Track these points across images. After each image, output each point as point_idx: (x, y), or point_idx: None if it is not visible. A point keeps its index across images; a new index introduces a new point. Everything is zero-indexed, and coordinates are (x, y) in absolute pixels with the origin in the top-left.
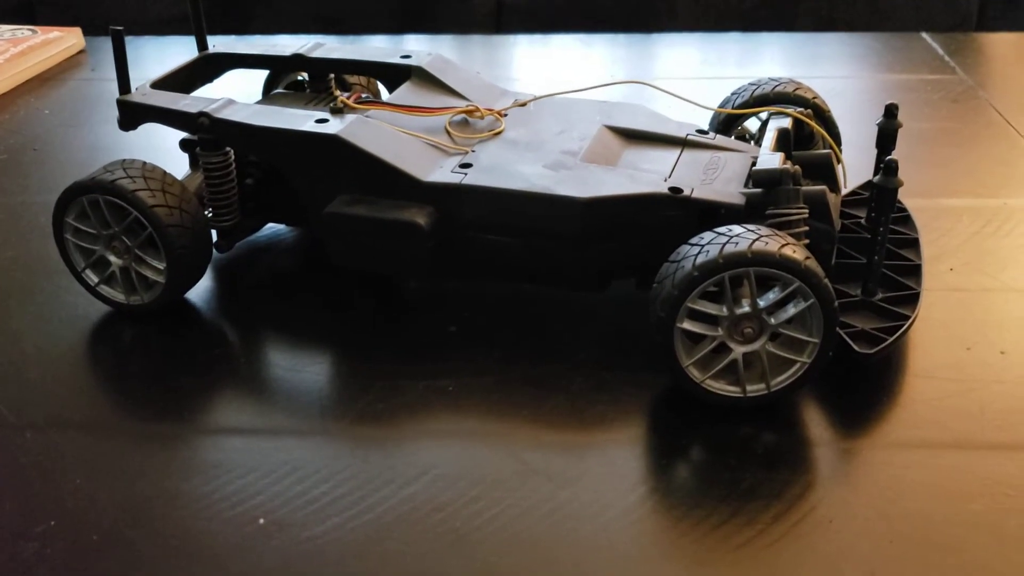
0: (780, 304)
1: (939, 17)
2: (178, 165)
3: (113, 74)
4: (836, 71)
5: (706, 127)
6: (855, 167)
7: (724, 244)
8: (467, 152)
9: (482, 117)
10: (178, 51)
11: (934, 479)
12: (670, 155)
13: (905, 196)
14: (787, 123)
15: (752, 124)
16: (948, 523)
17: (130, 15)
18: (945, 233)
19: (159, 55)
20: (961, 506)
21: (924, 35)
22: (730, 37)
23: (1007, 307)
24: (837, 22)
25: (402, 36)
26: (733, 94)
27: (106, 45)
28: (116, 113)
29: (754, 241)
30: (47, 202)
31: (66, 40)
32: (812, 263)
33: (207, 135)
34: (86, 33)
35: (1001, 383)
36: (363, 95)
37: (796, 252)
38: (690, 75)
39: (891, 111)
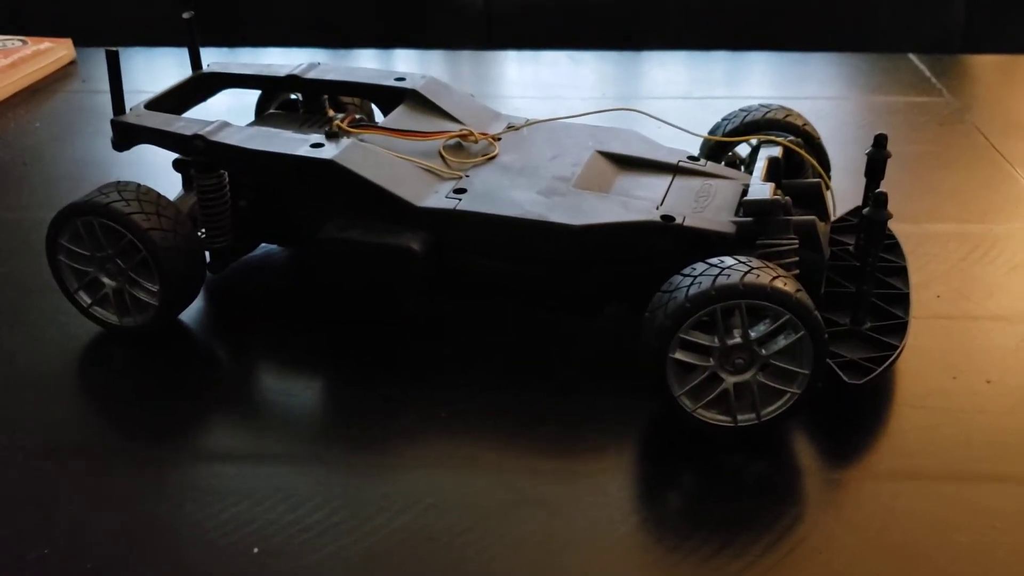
0: (771, 335)
1: (925, 32)
2: (170, 182)
3: (104, 85)
4: (823, 91)
5: (696, 152)
6: (842, 191)
7: (716, 276)
8: (461, 177)
9: (476, 141)
10: (169, 63)
11: (922, 509)
12: (662, 182)
13: (892, 222)
14: (777, 152)
15: (742, 149)
16: (936, 553)
17: (119, 25)
18: (932, 259)
19: (149, 67)
20: (948, 536)
21: (911, 56)
22: (718, 56)
23: (993, 335)
24: (823, 40)
25: (391, 51)
26: (724, 120)
27: (97, 56)
28: (107, 126)
29: (746, 273)
30: (38, 218)
31: (57, 51)
32: (803, 296)
33: (202, 158)
34: (76, 43)
35: (987, 412)
36: (357, 117)
37: (787, 285)
38: (679, 94)
39: (880, 141)
